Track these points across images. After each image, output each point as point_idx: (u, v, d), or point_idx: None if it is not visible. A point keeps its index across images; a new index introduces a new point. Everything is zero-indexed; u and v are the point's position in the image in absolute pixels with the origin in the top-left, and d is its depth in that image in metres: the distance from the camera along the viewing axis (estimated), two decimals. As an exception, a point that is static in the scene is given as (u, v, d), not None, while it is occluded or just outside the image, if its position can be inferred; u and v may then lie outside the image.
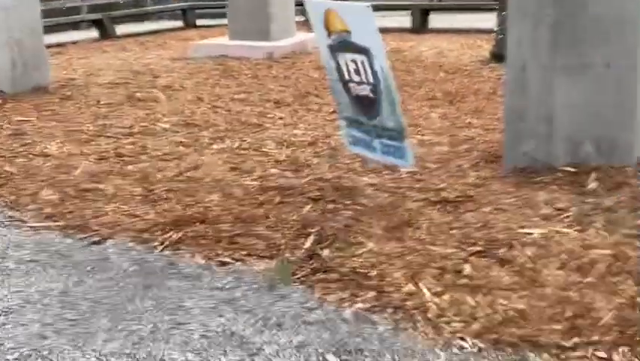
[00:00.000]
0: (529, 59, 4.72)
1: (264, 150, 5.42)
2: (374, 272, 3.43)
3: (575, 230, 3.83)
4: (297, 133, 5.90)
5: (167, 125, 6.18)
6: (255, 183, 4.60)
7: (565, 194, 4.34)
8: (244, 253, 3.73)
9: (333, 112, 6.63)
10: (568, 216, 4.00)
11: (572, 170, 4.68)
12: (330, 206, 4.17)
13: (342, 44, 4.19)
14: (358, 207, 4.16)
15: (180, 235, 3.91)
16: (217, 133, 5.90)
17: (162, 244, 3.86)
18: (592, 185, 4.48)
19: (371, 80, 4.10)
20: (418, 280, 3.35)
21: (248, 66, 9.15)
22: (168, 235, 3.93)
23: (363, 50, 4.04)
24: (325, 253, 3.63)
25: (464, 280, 3.34)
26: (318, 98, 7.24)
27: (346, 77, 4.30)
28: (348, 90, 4.35)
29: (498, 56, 9.39)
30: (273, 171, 4.85)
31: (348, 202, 4.22)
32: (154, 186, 4.66)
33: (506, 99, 4.86)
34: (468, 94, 7.51)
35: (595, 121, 4.71)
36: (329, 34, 4.25)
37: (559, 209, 4.12)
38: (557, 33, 4.63)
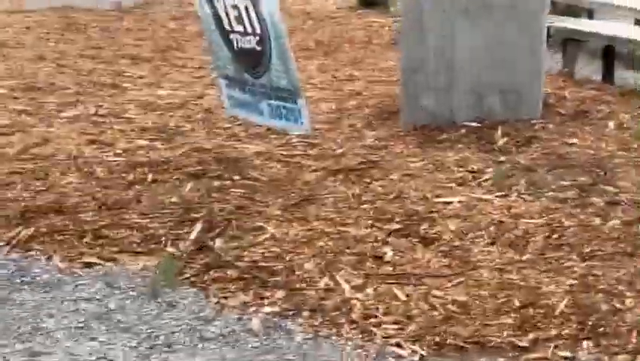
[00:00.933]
0: (426, 3, 4.22)
1: (125, 115, 4.63)
2: (280, 265, 2.84)
3: (497, 196, 3.39)
4: (162, 94, 5.14)
5: (3, 91, 5.22)
6: (120, 159, 3.84)
7: (474, 153, 3.90)
8: (115, 249, 3.02)
9: (201, 68, 5.91)
10: (486, 180, 3.56)
11: (477, 125, 4.26)
12: (216, 183, 3.51)
13: (220, -13, 3.50)
14: (249, 183, 3.52)
15: (31, 231, 3.14)
16: (66, 97, 5.03)
17: (8, 244, 3.07)
18: (500, 142, 4.07)
19: (257, 29, 3.45)
20: (333, 272, 2.78)
21: (95, 18, 8.15)
22: (15, 231, 3.15)
23: (246, -6, 3.38)
24: (217, 243, 2.99)
25: (388, 268, 2.82)
26: (180, 53, 6.45)
27: (226, 26, 3.62)
28: (228, 42, 3.68)
29: (367, 2, 8.94)
30: (140, 142, 4.10)
31: (236, 177, 3.57)
32: (-7, 167, 3.81)
33: (402, 49, 4.34)
34: (342, 43, 6.96)
35: (499, 70, 4.29)
36: (201, -26, 3.54)
37: (473, 171, 3.67)
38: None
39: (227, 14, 3.56)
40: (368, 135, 4.21)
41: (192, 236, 3.05)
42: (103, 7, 8.71)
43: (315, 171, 3.67)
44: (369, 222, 3.13)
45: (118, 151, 3.94)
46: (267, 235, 3.02)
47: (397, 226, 3.09)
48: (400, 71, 4.37)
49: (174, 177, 3.62)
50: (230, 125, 4.37)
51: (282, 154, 3.89)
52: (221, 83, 3.89)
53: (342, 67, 6.00)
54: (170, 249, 2.99)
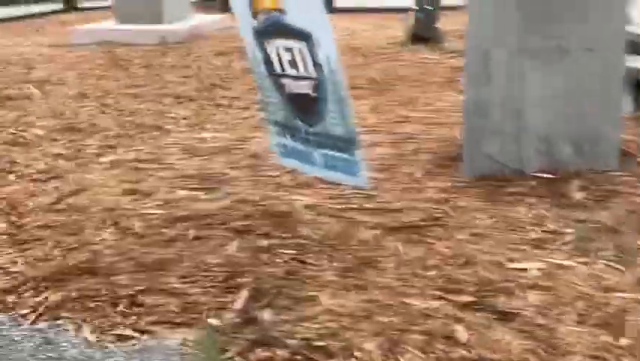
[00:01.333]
0: (493, 42, 3.87)
1: (167, 161, 4.35)
2: (337, 344, 2.48)
3: (581, 262, 3.00)
4: (207, 137, 4.86)
5: (42, 132, 5.00)
6: (160, 211, 3.54)
7: (549, 209, 3.51)
8: (151, 319, 2.69)
9: (247, 108, 5.64)
10: (566, 243, 3.17)
11: (549, 176, 3.88)
12: (264, 242, 3.17)
13: (274, 28, 3.19)
14: (300, 242, 3.18)
15: (60, 295, 2.84)
16: (106, 140, 4.78)
17: (35, 310, 2.77)
18: (577, 196, 3.68)
19: (313, 74, 3.13)
20: (398, 355, 2.42)
21: (139, 54, 7.98)
22: (43, 296, 2.85)
23: (302, 35, 3.06)
24: (266, 316, 2.65)
25: (461, 351, 2.44)
26: (226, 91, 6.20)
27: (278, 70, 3.31)
28: (280, 87, 3.36)
29: (418, 38, 8.63)
30: (182, 193, 3.80)
31: (285, 235, 3.24)
32: (23, 219, 3.54)
33: (466, 91, 3.98)
34: (394, 81, 6.65)
35: (573, 116, 3.91)
36: (255, 14, 3.24)
37: (550, 231, 3.28)
38: (528, 9, 3.80)
39: (279, 57, 3.25)
40: (428, 186, 3.84)
41: (237, 306, 2.72)
42: (147, 42, 8.57)
43: (371, 228, 3.31)
44: (437, 292, 2.76)
45: (158, 202, 3.64)
46: (322, 307, 2.67)
47: (470, 299, 2.71)
48: (463, 114, 4.01)
49: (218, 234, 3.30)
50: (277, 174, 4.06)
51: (334, 208, 3.55)
52: (270, 129, 3.57)
53: (395, 107, 5.67)
54: (212, 320, 2.66)
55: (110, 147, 4.64)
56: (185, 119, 5.31)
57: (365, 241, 3.20)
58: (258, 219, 3.41)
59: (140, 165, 4.25)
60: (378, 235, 3.24)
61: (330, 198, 3.69)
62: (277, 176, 4.04)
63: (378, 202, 3.60)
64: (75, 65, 7.36)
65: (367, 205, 3.57)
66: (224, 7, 12.66)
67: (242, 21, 3.39)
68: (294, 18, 3.06)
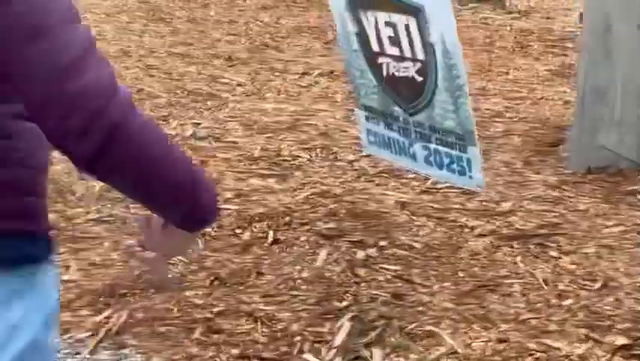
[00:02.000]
0: (616, 16, 3.32)
1: (228, 139, 3.86)
2: (469, 400, 2.02)
3: None
4: (268, 108, 4.35)
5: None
6: (231, 207, 3.06)
7: (684, 215, 3.01)
8: (235, 352, 2.24)
9: (306, 73, 5.12)
10: None
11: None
12: (360, 254, 2.69)
13: (373, -3, 2.67)
14: (401, 253, 2.70)
15: (124, 316, 2.39)
16: (158, 110, 4.28)
17: (94, 334, 2.32)
18: None
19: (420, 55, 2.61)
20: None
21: (180, 4, 7.43)
22: (103, 315, 2.40)
23: (410, 9, 2.53)
24: (376, 357, 2.19)
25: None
26: (280, 53, 5.66)
27: (375, 47, 2.79)
28: (376, 68, 2.84)
29: (478, -5, 8.01)
30: (252, 181, 3.32)
31: (383, 244, 2.76)
32: (73, 209, 3.07)
33: (580, 71, 3.44)
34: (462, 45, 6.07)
35: None
36: (350, -20, 2.71)
37: (693, 246, 2.79)
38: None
39: (377, 33, 2.73)
40: (533, 179, 3.34)
41: (338, 341, 2.26)
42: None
43: (481, 235, 2.83)
44: (581, 330, 2.28)
45: (227, 195, 3.16)
46: (444, 348, 2.20)
47: (622, 340, 2.24)
48: (577, 98, 3.47)
49: (301, 236, 2.83)
50: (354, 157, 3.57)
51: (431, 207, 3.07)
52: (359, 114, 3.06)
53: (470, 76, 5.12)
54: (308, 356, 2.21)
55: (163, 118, 4.15)
56: (240, 85, 4.79)
57: (476, 253, 2.72)
58: (346, 220, 2.93)
59: (200, 143, 3.77)
60: (491, 246, 2.75)
61: (424, 193, 3.20)
62: (355, 161, 3.56)
63: (482, 201, 3.10)
64: (113, 17, 6.83)
65: (469, 205, 3.08)
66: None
67: (332, -15, 2.87)
68: (404, -13, 2.53)
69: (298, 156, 3.63)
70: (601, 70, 3.37)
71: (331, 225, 2.88)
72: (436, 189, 3.21)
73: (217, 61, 5.38)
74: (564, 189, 3.23)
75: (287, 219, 2.93)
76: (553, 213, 3.00)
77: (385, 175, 3.39)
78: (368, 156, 3.49)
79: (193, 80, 4.87)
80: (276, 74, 5.12)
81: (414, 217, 2.96)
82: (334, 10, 2.91)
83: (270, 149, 3.72)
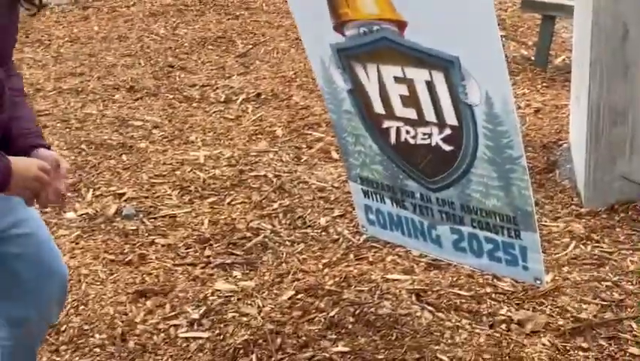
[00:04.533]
0: (634, 21, 2.77)
1: (164, 211, 3.07)
2: None
3: None
4: (199, 158, 3.58)
5: None
6: (200, 335, 2.31)
7: None
8: None
9: (229, 100, 4.37)
10: None
11: None
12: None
13: (377, 48, 1.97)
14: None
15: None
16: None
17: None
18: None
19: (450, 119, 1.96)
20: None
21: (54, 19, 6.44)
22: None
23: (436, 62, 1.87)
24: None
25: None
26: (189, 75, 4.85)
27: (379, 109, 2.11)
28: (380, 132, 2.16)
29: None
30: (220, 286, 2.56)
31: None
32: None
33: (591, 87, 2.88)
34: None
35: None
36: (340, 24, 2.00)
37: None
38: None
39: (383, 91, 2.05)
40: (556, 231, 2.76)
41: None
42: (57, 1, 7.02)
43: (535, 333, 2.21)
44: None
45: (192, 314, 2.40)
46: None
47: None
48: (586, 119, 2.91)
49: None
50: (328, 221, 2.89)
51: (457, 294, 2.42)
52: (354, 188, 2.37)
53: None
54: None
55: (72, 188, 3.31)
56: (157, 127, 3.98)
57: (536, 364, 2.10)
58: (358, 333, 2.25)
59: (129, 225, 2.96)
60: (554, 350, 2.15)
61: (435, 268, 2.56)
62: (329, 225, 2.88)
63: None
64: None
65: (503, 285, 2.45)
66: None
67: (308, 32, 2.15)
68: (424, 35, 1.85)
69: (259, 229, 2.91)
70: (618, 86, 2.83)
71: (342, 344, 2.19)
72: (446, 262, 2.58)
73: (119, 94, 4.53)
74: (597, 241, 2.68)
75: (278, 341, 2.22)
76: (605, 282, 2.43)
77: (375, 245, 2.73)
78: (350, 218, 2.85)
79: (97, 126, 4.01)
80: (194, 105, 4.34)
81: (440, 314, 2.31)
82: (314, 59, 2.19)
83: (221, 221, 2.98)
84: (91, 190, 3.28)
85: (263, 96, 4.39)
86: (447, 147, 2.02)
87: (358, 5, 1.93)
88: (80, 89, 4.58)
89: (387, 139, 2.15)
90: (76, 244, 2.86)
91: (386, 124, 2.13)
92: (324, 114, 3.96)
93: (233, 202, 3.14)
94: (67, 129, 3.98)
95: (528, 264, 2.06)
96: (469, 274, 2.50)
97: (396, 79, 2.00)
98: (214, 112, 4.20)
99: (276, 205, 3.08)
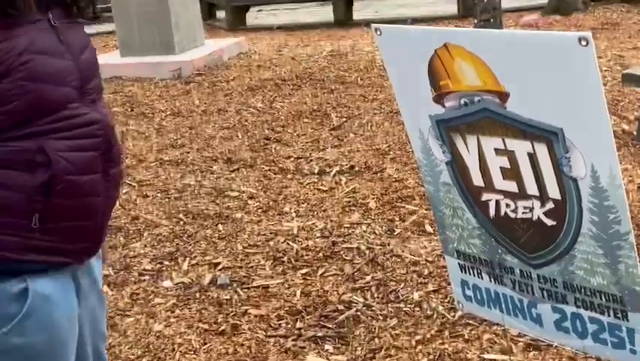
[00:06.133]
0: None
1: (257, 282, 3.09)
2: None
3: None
4: (292, 229, 3.60)
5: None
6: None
7: None
8: None
9: (323, 172, 4.40)
10: None
11: None
12: None
13: (477, 118, 1.95)
14: None
15: None
16: (162, 246, 3.50)
17: None
18: None
19: (553, 192, 1.90)
20: None
21: (158, 94, 6.72)
22: None
23: (539, 133, 1.83)
24: None
25: None
26: (285, 147, 4.94)
27: (478, 181, 2.07)
28: (479, 205, 2.12)
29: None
30: (311, 359, 2.54)
31: None
32: None
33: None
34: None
35: None
36: (440, 96, 2.00)
37: None
38: None
39: (482, 163, 2.02)
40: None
41: None
42: (160, 77, 7.34)
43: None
44: None
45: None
46: None
47: None
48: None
49: None
50: (421, 296, 2.82)
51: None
52: (450, 263, 2.33)
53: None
54: None
55: (170, 257, 3.37)
56: (252, 198, 4.05)
57: None
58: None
59: (223, 294, 2.98)
60: None
61: (534, 349, 2.45)
62: (422, 300, 2.82)
63: None
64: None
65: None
66: (234, 26, 11.45)
67: (407, 103, 2.15)
68: (527, 106, 1.83)
69: (351, 302, 2.88)
70: None
71: None
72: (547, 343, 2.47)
73: (216, 165, 4.63)
74: None
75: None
76: None
77: (472, 322, 2.65)
78: (442, 295, 2.78)
79: (195, 196, 4.11)
80: (289, 176, 4.39)
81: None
82: (412, 131, 2.19)
83: (313, 293, 2.96)
84: (187, 259, 3.33)
85: (356, 168, 4.40)
86: (549, 222, 1.96)
87: (459, 77, 1.92)
88: (179, 160, 4.72)
89: (487, 212, 2.10)
90: (172, 312, 2.89)
91: (485, 197, 2.08)
92: (418, 187, 3.94)
93: (325, 274, 3.12)
94: (167, 199, 4.08)
95: (636, 347, 1.94)
96: (571, 356, 2.38)
97: (497, 151, 1.97)
98: (308, 184, 4.24)
99: (368, 278, 3.05)
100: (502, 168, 1.99)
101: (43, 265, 1.50)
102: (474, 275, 2.25)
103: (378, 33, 2.05)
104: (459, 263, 2.29)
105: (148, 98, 6.57)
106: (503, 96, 1.86)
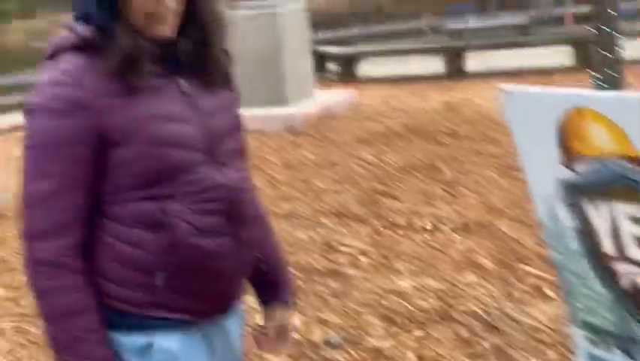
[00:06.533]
0: None
1: (369, 343, 3.02)
2: None
3: None
4: (405, 287, 3.53)
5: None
6: None
7: None
8: None
9: (435, 229, 4.31)
10: None
11: None
12: None
13: (610, 185, 1.86)
14: None
15: None
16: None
17: None
18: None
19: (696, 265, 1.77)
20: None
21: (270, 146, 6.82)
22: None
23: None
24: None
25: None
26: (395, 202, 4.89)
27: (609, 250, 1.96)
28: (609, 275, 2.00)
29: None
30: None
31: None
32: None
33: None
34: None
35: None
36: (571, 161, 1.91)
37: None
38: None
39: (614, 231, 1.91)
40: None
41: None
42: (271, 129, 7.44)
43: None
44: None
45: None
46: None
47: None
48: None
49: None
50: (544, 364, 2.68)
51: None
52: (576, 334, 2.21)
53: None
54: None
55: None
56: (363, 254, 4.01)
57: None
58: None
59: (335, 355, 2.94)
60: None
61: None
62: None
63: None
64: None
65: None
66: (344, 78, 11.57)
67: (532, 165, 2.08)
68: (668, 171, 1.72)
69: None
70: None
71: None
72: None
73: (327, 219, 4.63)
74: None
75: None
76: None
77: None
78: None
79: (306, 250, 4.10)
80: (400, 232, 4.33)
81: None
82: (536, 193, 2.10)
83: (427, 357, 2.87)
84: (299, 316, 3.31)
85: (470, 226, 4.30)
86: (691, 296, 1.82)
87: (592, 140, 1.83)
88: (291, 213, 4.75)
89: (617, 283, 1.98)
90: (284, 370, 2.87)
91: (618, 267, 1.96)
92: (536, 247, 3.79)
93: (440, 337, 3.03)
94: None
95: None
96: None
97: (632, 218, 1.85)
98: (420, 240, 4.16)
99: (486, 344, 2.93)
100: (635, 237, 1.88)
101: (169, 321, 1.52)
102: (603, 349, 2.11)
103: (504, 94, 1.99)
104: (586, 336, 2.16)
105: (260, 149, 6.68)
106: (639, 162, 1.76)
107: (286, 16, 8.46)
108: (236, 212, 1.54)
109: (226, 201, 1.52)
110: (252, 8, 8.18)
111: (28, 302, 3.77)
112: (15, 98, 12.53)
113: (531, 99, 1.98)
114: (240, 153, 1.63)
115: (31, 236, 1.46)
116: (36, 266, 1.46)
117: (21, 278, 4.03)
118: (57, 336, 1.46)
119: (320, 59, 12.22)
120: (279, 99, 8.35)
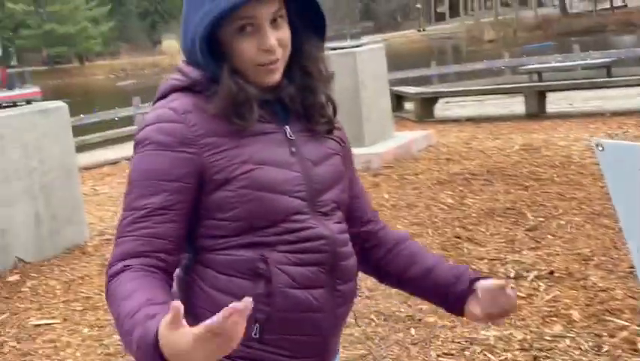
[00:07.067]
0: None
1: None
2: None
3: None
4: (490, 338, 3.42)
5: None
6: None
7: None
8: None
9: (519, 277, 4.17)
10: None
11: None
12: None
13: None
14: None
15: None
16: (352, 347, 3.45)
17: None
18: None
19: None
20: None
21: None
22: None
23: None
24: None
25: None
26: (477, 247, 4.77)
27: None
28: None
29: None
30: None
31: None
32: None
33: None
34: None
35: None
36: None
37: None
38: None
39: None
40: None
41: None
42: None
43: None
44: None
45: None
46: None
47: None
48: None
49: None
50: None
51: None
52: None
53: None
54: None
55: (360, 360, 3.29)
56: (445, 301, 3.91)
57: None
58: None
59: None
60: None
61: None
62: None
63: None
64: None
65: None
66: (422, 118, 11.51)
67: (631, 219, 1.99)
68: None
69: None
70: None
71: None
72: None
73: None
74: None
75: None
76: None
77: None
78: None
79: (385, 296, 4.04)
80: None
81: None
82: (635, 247, 2.00)
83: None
84: (379, 364, 3.25)
85: (556, 274, 4.15)
86: None
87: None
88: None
89: None
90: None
91: None
92: (628, 299, 3.64)
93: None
94: (358, 297, 4.04)
95: None
96: None
97: None
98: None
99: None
100: None
101: None
102: None
103: (600, 149, 1.92)
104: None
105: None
106: None
107: (366, 56, 8.50)
108: (336, 264, 1.51)
109: (326, 253, 1.49)
110: (333, 49, 8.24)
111: (111, 341, 3.82)
112: (101, 135, 12.94)
113: (627, 152, 1.90)
114: (342, 204, 1.59)
115: (120, 256, 1.41)
116: (114, 275, 1.40)
117: (105, 317, 4.09)
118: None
119: (398, 99, 12.20)
120: (358, 139, 8.34)
